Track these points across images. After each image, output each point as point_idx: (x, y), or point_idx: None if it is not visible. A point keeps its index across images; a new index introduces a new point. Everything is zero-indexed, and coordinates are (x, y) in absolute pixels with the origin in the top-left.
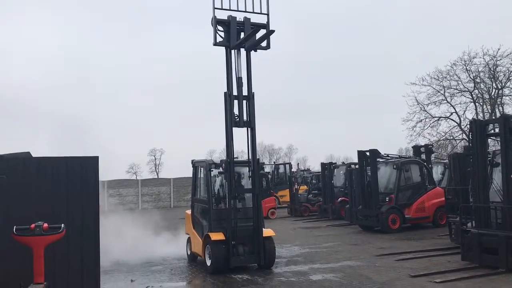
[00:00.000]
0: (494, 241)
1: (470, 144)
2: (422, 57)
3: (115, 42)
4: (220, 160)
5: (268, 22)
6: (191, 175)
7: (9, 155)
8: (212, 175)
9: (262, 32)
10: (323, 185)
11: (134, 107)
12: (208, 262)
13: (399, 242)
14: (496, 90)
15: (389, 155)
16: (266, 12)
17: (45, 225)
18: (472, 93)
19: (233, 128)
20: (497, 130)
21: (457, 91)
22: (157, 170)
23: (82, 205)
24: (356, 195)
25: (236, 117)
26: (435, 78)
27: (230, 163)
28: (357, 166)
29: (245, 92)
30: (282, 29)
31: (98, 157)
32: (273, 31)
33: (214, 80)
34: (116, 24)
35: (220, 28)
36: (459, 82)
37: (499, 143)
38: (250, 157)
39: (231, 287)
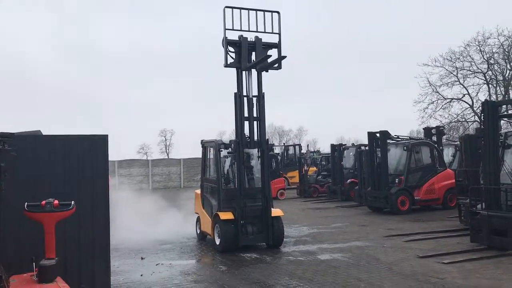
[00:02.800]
0: (503, 223)
1: (482, 126)
2: (435, 37)
3: (128, 20)
4: (230, 141)
5: (279, 41)
6: (201, 156)
7: (20, 133)
8: (221, 155)
9: (273, 51)
10: (332, 166)
11: (145, 88)
12: (217, 241)
13: (407, 223)
14: (510, 72)
15: (400, 137)
16: (277, 32)
17: (56, 202)
18: (486, 75)
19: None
20: (510, 111)
21: (470, 72)
22: (167, 151)
23: (92, 182)
24: (365, 177)
25: (247, 138)
26: (448, 59)
27: (239, 143)
28: (367, 148)
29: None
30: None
31: (107, 135)
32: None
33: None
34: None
35: (231, 48)
36: (473, 63)
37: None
38: (259, 139)
39: (240, 266)
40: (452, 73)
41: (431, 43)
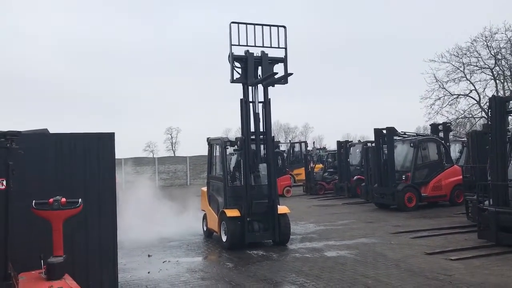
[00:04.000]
0: (511, 219)
1: (489, 122)
2: (442, 33)
3: (137, 17)
4: (236, 138)
5: (286, 56)
6: (207, 153)
7: (27, 132)
8: (227, 152)
9: (280, 65)
10: (339, 163)
11: (152, 86)
12: (224, 238)
13: (414, 220)
14: None
15: (406, 133)
16: (284, 46)
17: (63, 199)
18: (493, 70)
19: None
20: None
21: (477, 68)
22: (173, 148)
23: (99, 180)
24: (372, 173)
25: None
26: (454, 55)
27: (245, 140)
28: (373, 144)
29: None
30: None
31: (114, 133)
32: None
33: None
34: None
35: (237, 64)
36: (480, 58)
37: None
38: (264, 129)
39: (247, 263)
40: (459, 69)
41: (438, 39)
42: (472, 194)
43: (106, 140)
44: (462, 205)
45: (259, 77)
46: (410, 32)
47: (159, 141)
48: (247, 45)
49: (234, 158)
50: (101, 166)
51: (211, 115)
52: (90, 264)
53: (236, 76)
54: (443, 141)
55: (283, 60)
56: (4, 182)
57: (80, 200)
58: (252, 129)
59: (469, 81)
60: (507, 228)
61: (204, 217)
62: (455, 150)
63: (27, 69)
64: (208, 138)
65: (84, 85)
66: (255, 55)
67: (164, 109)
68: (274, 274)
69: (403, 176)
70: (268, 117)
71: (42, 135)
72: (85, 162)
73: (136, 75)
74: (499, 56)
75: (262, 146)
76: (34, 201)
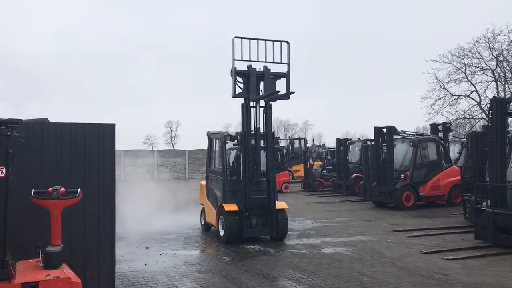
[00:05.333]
0: (508, 220)
1: (490, 123)
2: (444, 33)
3: (138, 11)
4: (236, 132)
5: (288, 72)
6: (206, 147)
7: (27, 120)
8: (227, 147)
9: (282, 80)
10: (338, 160)
11: (151, 79)
12: (221, 232)
13: (412, 219)
14: None
15: (406, 132)
16: (286, 62)
17: (62, 189)
18: (494, 72)
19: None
20: None
21: (479, 69)
22: (173, 142)
23: (98, 170)
24: (371, 172)
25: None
26: (456, 55)
27: (245, 135)
28: (373, 143)
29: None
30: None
31: (115, 124)
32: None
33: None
34: None
35: (239, 79)
36: (481, 60)
37: None
38: (264, 131)
39: (244, 257)
40: (460, 70)
41: (440, 39)
42: (470, 195)
43: (106, 130)
44: (459, 205)
45: (261, 92)
46: (412, 31)
47: (159, 134)
48: (249, 60)
49: (233, 153)
50: (101, 156)
51: (212, 109)
52: (88, 254)
53: (238, 91)
54: (442, 141)
55: (286, 76)
56: (4, 170)
57: (79, 190)
58: (253, 128)
59: (470, 82)
60: (504, 229)
61: (202, 211)
62: (454, 151)
63: (28, 57)
64: (208, 132)
65: (84, 78)
66: (257, 70)
67: (164, 103)
68: (271, 269)
69: (402, 175)
70: (269, 118)
71: (42, 124)
72: (85, 152)
73: (136, 68)
74: (500, 58)
75: (261, 142)
76: (33, 190)
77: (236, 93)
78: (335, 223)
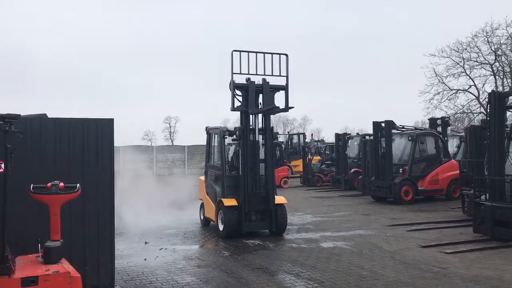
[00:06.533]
0: (507, 214)
1: (488, 117)
2: (443, 28)
3: (137, 7)
4: (234, 128)
5: (287, 84)
6: (205, 143)
7: (26, 116)
8: (226, 142)
9: (281, 93)
10: (336, 155)
11: (150, 75)
12: (221, 227)
13: (411, 213)
14: None
15: (405, 127)
16: (285, 75)
17: (61, 184)
18: (493, 66)
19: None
20: None
21: (477, 63)
22: (171, 138)
23: (97, 165)
24: (369, 166)
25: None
26: (455, 50)
27: (244, 130)
28: (371, 137)
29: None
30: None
31: (113, 119)
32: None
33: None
34: None
35: (238, 92)
36: (480, 54)
37: None
38: (263, 126)
39: (243, 252)
40: (458, 64)
41: (438, 34)
42: (469, 189)
43: (105, 126)
44: (458, 199)
45: (260, 104)
46: (411, 26)
47: (158, 130)
48: (248, 74)
49: (232, 148)
50: (100, 151)
51: (210, 105)
52: (87, 249)
53: (237, 104)
54: (441, 136)
55: (285, 88)
56: (2, 165)
57: (78, 184)
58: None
59: (469, 76)
60: (502, 222)
61: (202, 206)
62: (452, 145)
63: (27, 54)
64: (207, 127)
65: (83, 75)
66: (256, 82)
67: (163, 99)
68: (270, 263)
69: (400, 170)
70: (267, 119)
71: (41, 119)
72: (83, 147)
73: (135, 65)
74: (499, 52)
75: (260, 137)
76: (32, 185)
77: (235, 107)
78: (334, 217)
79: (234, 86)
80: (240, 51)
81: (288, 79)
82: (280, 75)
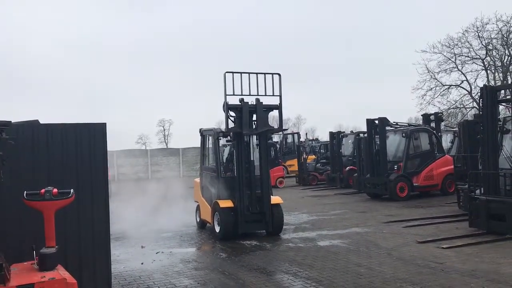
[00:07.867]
0: (502, 207)
1: (481, 112)
2: (434, 24)
3: (127, 11)
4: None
5: (280, 103)
6: (199, 145)
7: (18, 122)
8: (220, 144)
9: (274, 112)
10: (331, 154)
11: (143, 78)
12: (217, 229)
13: (406, 209)
14: (509, 57)
15: (398, 123)
16: (278, 94)
17: (55, 190)
18: (484, 61)
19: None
20: (508, 96)
21: (469, 58)
22: (166, 141)
23: (91, 170)
24: (364, 164)
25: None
26: (446, 45)
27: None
28: (365, 135)
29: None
30: None
31: (105, 123)
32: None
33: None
34: None
35: (232, 113)
36: (471, 49)
37: (510, 109)
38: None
39: (240, 253)
40: (450, 60)
41: (430, 30)
42: (464, 184)
43: (98, 130)
44: (453, 194)
45: (253, 124)
46: (402, 22)
47: (152, 133)
48: (241, 95)
49: (227, 149)
50: (93, 156)
51: (204, 107)
52: (83, 255)
53: (231, 125)
54: (434, 131)
55: (278, 108)
56: None
57: (72, 190)
58: None
59: (461, 71)
60: (497, 216)
61: (197, 208)
62: (446, 140)
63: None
64: (201, 129)
65: (75, 78)
66: (249, 103)
67: (156, 101)
68: (268, 263)
69: (395, 166)
70: (262, 140)
71: (32, 125)
72: (76, 153)
73: (127, 68)
74: (490, 47)
75: (254, 137)
76: (25, 191)
77: (229, 127)
78: (330, 216)
79: (227, 107)
80: (233, 72)
81: (281, 98)
82: (273, 95)
